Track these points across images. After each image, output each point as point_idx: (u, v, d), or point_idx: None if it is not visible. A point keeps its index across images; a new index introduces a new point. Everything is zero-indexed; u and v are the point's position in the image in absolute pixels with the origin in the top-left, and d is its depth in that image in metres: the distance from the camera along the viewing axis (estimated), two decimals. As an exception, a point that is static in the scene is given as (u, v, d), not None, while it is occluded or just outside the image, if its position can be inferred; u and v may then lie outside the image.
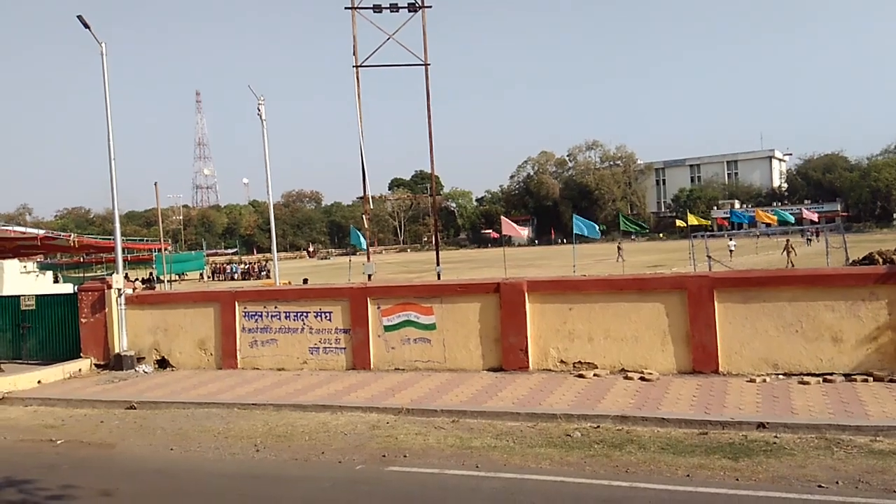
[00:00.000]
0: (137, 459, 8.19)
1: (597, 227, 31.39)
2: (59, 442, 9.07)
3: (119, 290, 14.13)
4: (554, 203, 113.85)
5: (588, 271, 30.68)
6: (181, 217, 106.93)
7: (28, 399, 11.70)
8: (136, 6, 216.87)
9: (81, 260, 54.55)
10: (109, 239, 39.04)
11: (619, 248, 42.88)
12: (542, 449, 7.50)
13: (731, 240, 45.55)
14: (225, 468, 7.63)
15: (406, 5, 21.64)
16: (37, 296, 15.77)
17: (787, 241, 36.07)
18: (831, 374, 9.59)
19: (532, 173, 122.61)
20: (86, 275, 49.09)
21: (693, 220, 47.54)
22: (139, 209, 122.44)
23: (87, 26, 14.80)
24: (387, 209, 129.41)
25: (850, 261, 24.44)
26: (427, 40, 21.60)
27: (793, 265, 29.43)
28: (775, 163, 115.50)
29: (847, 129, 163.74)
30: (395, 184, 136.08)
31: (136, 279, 38.82)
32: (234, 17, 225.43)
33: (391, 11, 21.57)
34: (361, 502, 6.36)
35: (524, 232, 38.29)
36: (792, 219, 54.33)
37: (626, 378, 10.28)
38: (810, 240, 51.19)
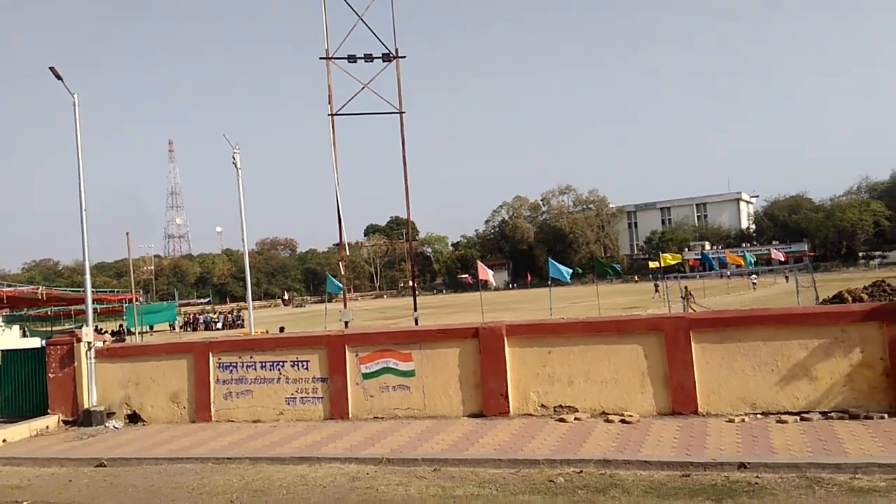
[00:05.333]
0: (108, 519, 7.90)
1: (567, 271, 31.88)
2: (25, 503, 8.72)
3: (89, 343, 13.81)
4: (529, 247, 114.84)
5: (565, 314, 30.79)
6: (153, 267, 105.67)
7: (-8, 458, 11.28)
8: (107, 54, 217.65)
9: (49, 313, 53.36)
10: (79, 291, 38.35)
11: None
12: (526, 496, 7.40)
13: (754, 276, 53.58)
14: (200, 526, 7.39)
15: (381, 55, 22.02)
16: (3, 351, 15.34)
17: (686, 288, 34.31)
18: (808, 412, 9.65)
19: (507, 218, 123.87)
20: (54, 328, 47.98)
21: (667, 258, 48.11)
22: (109, 260, 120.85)
23: (59, 77, 14.81)
24: (363, 255, 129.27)
25: (821, 300, 24.92)
26: (402, 89, 21.97)
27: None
28: (743, 205, 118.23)
29: (810, 171, 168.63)
30: (371, 230, 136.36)
31: (106, 332, 38.04)
32: (208, 64, 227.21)
33: (366, 62, 21.92)
34: (342, 557, 6.18)
35: (492, 274, 38.69)
36: (752, 260, 56.28)
37: (607, 421, 10.23)
38: (787, 277, 52.90)
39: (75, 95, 14.98)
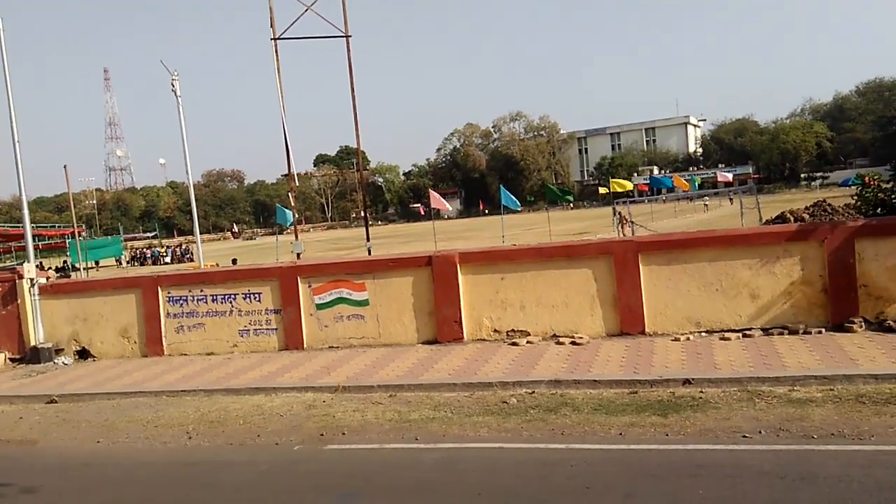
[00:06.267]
0: (62, 454, 7.84)
1: (516, 200, 31.97)
2: (-27, 442, 8.57)
3: (31, 279, 13.38)
4: (481, 175, 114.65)
5: (517, 241, 31.09)
6: (94, 201, 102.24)
7: (-64, 400, 10.98)
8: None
9: (-13, 250, 51.40)
10: (17, 227, 36.85)
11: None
12: (480, 417, 7.59)
13: (706, 198, 57.74)
14: (156, 457, 7.40)
15: (324, -25, 21.01)
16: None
17: (619, 213, 32.83)
18: (750, 329, 10.05)
19: (458, 146, 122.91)
20: (-7, 265, 46.28)
21: (616, 185, 48.64)
22: (48, 195, 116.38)
23: (-23, -2, 13.75)
24: (313, 186, 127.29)
25: (764, 220, 25.71)
26: (347, 12, 21.12)
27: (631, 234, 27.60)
28: (690, 128, 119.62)
29: (756, 94, 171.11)
30: (321, 160, 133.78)
31: (50, 268, 36.90)
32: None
33: (309, -19, 20.91)
34: (301, 482, 6.27)
35: (449, 206, 38.71)
36: (698, 183, 58.62)
37: (558, 343, 10.49)
38: (731, 199, 54.60)
39: (-2, 19, 13.95)
